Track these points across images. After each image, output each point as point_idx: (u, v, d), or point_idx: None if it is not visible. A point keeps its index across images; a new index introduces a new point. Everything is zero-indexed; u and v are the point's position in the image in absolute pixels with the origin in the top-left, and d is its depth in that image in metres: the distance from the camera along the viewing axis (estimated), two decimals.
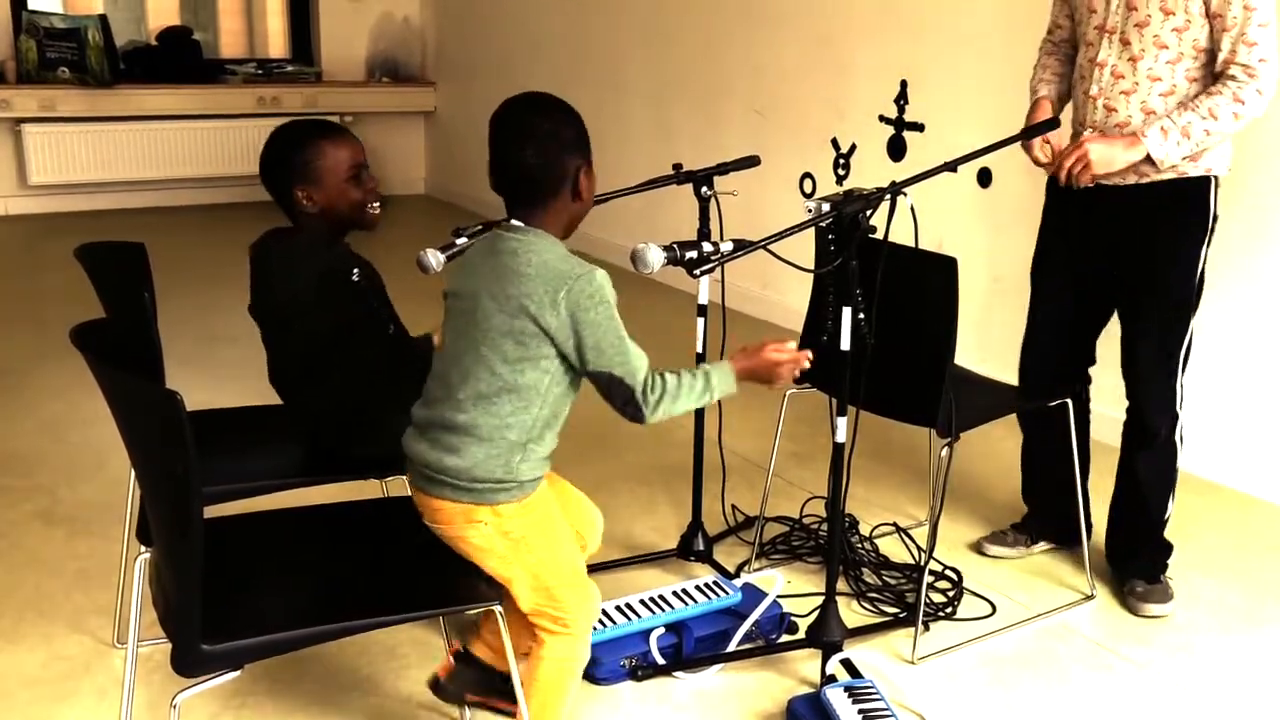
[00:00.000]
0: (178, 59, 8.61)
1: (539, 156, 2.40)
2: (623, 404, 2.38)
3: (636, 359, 2.36)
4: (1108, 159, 3.17)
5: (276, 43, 9.62)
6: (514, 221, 2.43)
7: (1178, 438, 3.44)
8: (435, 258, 2.88)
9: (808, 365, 2.60)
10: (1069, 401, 3.47)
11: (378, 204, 2.92)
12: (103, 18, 8.13)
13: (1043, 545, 3.77)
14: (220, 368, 5.06)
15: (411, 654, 3.11)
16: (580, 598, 2.51)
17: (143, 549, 2.61)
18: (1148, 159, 3.16)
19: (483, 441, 2.36)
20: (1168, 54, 3.15)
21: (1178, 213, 3.26)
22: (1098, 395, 3.67)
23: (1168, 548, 3.56)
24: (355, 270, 2.77)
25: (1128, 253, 3.33)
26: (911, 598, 3.42)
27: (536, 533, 2.44)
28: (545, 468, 2.47)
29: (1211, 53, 3.13)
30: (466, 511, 2.39)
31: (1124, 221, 3.30)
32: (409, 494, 2.52)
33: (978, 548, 3.77)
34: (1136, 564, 3.54)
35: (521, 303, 2.32)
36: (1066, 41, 3.47)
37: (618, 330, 2.34)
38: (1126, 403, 3.47)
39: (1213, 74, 3.15)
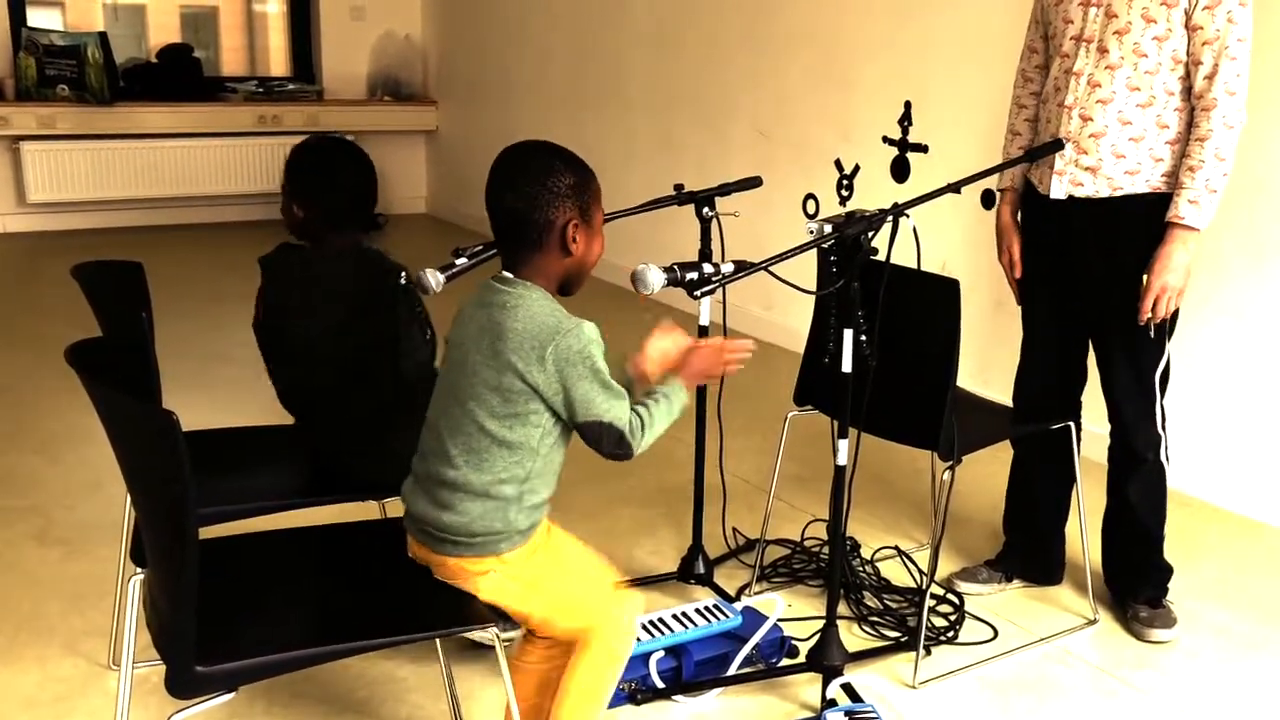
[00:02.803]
0: (178, 77, 8.61)
1: (522, 202, 2.33)
2: (613, 447, 2.33)
3: (620, 402, 2.33)
4: (1178, 271, 3.15)
5: (278, 60, 9.62)
6: (505, 273, 2.39)
7: (1164, 458, 3.41)
8: (435, 278, 2.86)
9: (748, 353, 2.57)
10: (1071, 424, 3.45)
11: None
12: (103, 35, 8.13)
13: (1018, 584, 3.71)
14: (218, 388, 5.05)
15: (410, 677, 3.09)
16: (607, 611, 2.46)
17: (138, 570, 2.59)
18: (1125, 172, 3.17)
19: (477, 497, 2.32)
20: (1146, 63, 3.14)
21: (1150, 227, 3.21)
22: (1086, 414, 3.64)
23: (1167, 570, 3.54)
24: (403, 273, 2.82)
25: (1099, 269, 3.32)
26: (913, 621, 3.40)
27: (548, 570, 2.42)
28: (544, 512, 2.43)
29: (1188, 66, 3.12)
30: (472, 564, 2.36)
31: (1096, 235, 3.29)
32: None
33: (948, 584, 3.68)
34: (1137, 588, 3.52)
35: (508, 359, 2.27)
36: (1041, 69, 3.44)
37: (605, 380, 2.30)
38: (1110, 424, 3.46)
39: (1187, 89, 3.14)
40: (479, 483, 2.32)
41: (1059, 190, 3.30)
